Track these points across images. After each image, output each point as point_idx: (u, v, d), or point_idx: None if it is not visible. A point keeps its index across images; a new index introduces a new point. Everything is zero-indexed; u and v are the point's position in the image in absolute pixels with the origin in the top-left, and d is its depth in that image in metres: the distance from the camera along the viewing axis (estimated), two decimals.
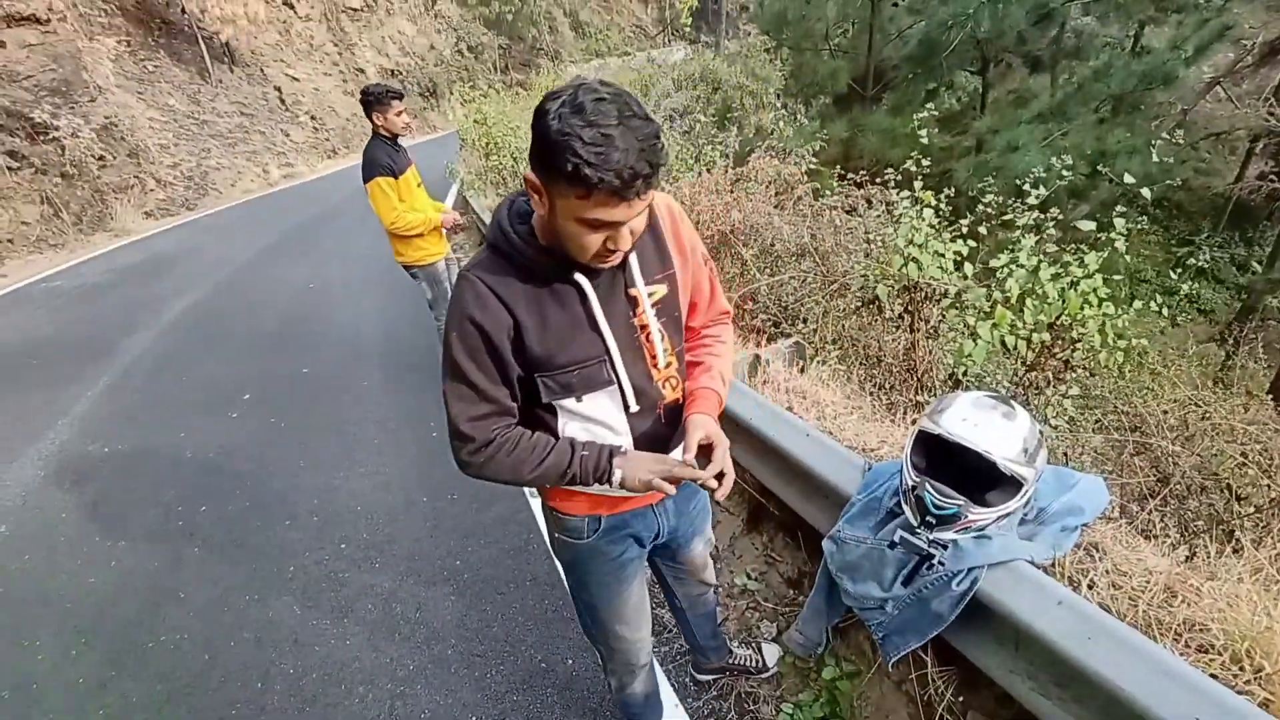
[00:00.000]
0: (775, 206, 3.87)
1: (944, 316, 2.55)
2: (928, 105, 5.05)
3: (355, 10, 18.89)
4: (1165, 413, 2.91)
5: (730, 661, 1.89)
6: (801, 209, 3.60)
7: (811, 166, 4.55)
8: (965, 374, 2.44)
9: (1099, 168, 6.49)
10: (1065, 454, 2.74)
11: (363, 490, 3.12)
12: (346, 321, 5.51)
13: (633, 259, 1.05)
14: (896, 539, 1.32)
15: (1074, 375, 2.76)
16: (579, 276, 1.01)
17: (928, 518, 1.30)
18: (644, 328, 1.09)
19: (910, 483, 1.36)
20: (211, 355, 5.00)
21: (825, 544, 1.57)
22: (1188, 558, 1.67)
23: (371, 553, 2.69)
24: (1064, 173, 3.88)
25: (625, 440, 1.14)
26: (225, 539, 2.86)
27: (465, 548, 2.66)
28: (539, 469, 1.08)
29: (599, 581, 1.32)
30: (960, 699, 1.51)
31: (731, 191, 4.00)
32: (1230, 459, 2.74)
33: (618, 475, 1.07)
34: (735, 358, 2.26)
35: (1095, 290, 2.15)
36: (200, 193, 11.92)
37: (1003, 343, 2.33)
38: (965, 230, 2.70)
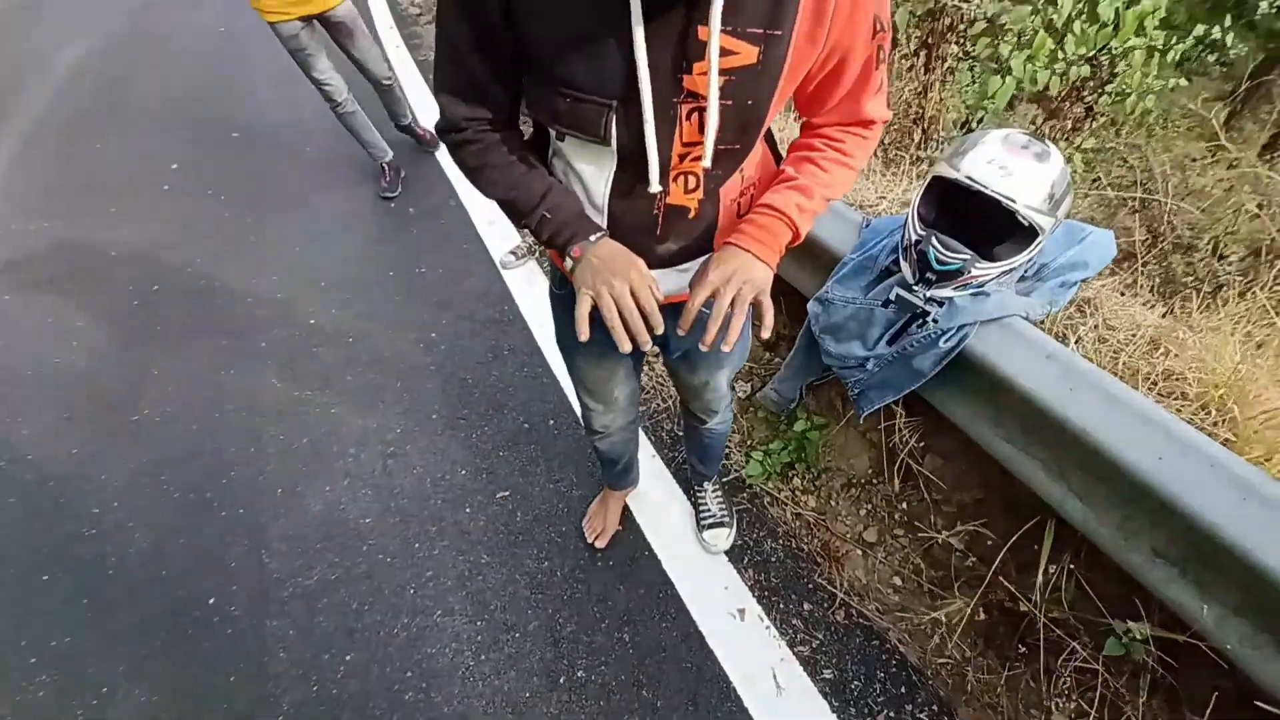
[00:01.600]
0: None
1: (971, 46, 2.17)
2: None
3: None
4: (1169, 163, 2.72)
5: (699, 495, 1.83)
6: None
7: None
8: (980, 121, 2.17)
9: None
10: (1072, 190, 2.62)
11: (324, 265, 2.94)
12: (274, 71, 4.71)
13: None
14: (893, 297, 1.23)
15: (1093, 125, 2.50)
16: None
17: (928, 274, 1.20)
18: (691, 98, 0.73)
19: (914, 237, 1.23)
20: (122, 118, 4.34)
21: (811, 305, 1.50)
22: (1166, 313, 1.65)
23: (344, 327, 2.63)
24: None
25: (599, 221, 0.88)
26: (187, 317, 2.75)
27: (440, 320, 2.60)
28: (504, 196, 0.86)
29: (562, 333, 1.21)
30: (921, 444, 1.61)
31: None
32: (1229, 210, 2.65)
33: (568, 264, 0.84)
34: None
35: (1155, 10, 1.79)
36: None
37: (1022, 82, 2.02)
38: None
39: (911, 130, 2.45)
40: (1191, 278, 1.89)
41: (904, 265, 1.27)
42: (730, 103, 0.73)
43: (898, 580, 1.66)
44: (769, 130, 0.94)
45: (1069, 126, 2.25)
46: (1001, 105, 1.85)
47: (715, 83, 0.70)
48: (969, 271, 1.19)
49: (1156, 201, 2.49)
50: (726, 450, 2.01)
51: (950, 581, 1.56)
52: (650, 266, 0.88)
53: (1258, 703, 0.96)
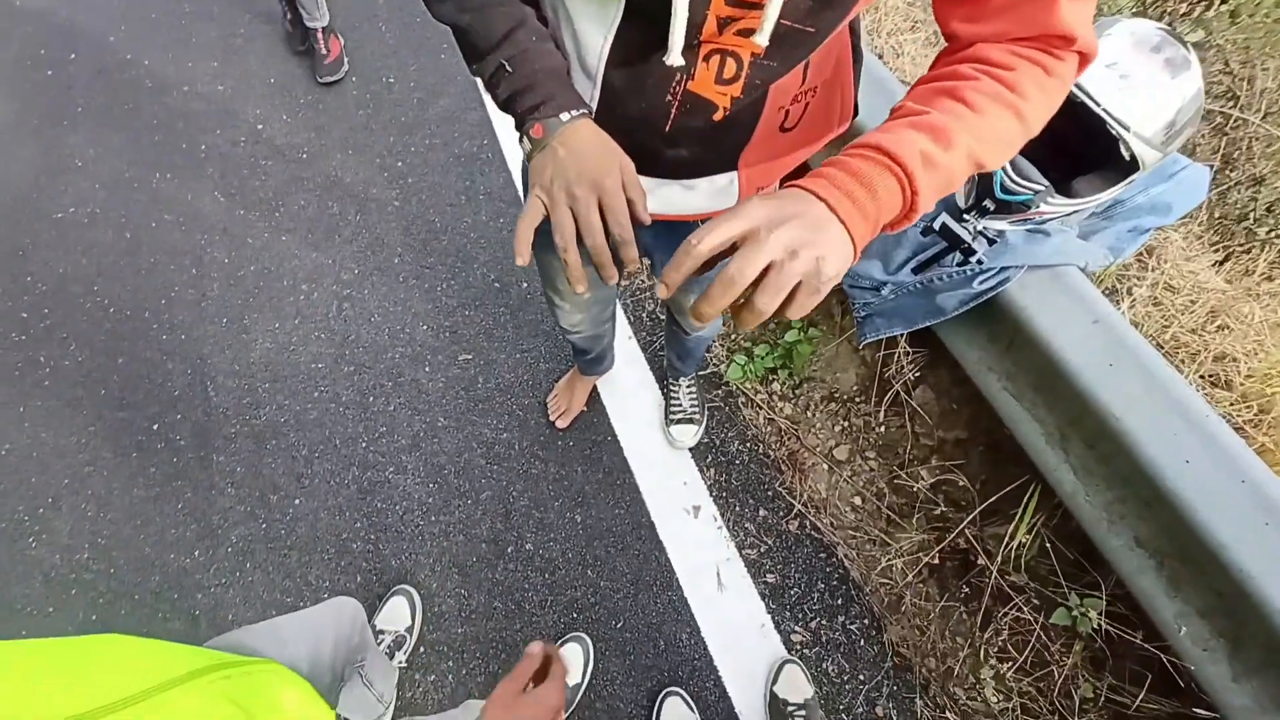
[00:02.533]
0: None
1: None
2: None
3: None
4: (1276, 77, 2.32)
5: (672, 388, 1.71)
6: None
7: None
8: None
9: None
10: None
11: (274, 57, 2.48)
12: None
13: None
14: (936, 225, 1.01)
15: (1210, 13, 2.06)
16: None
17: (985, 201, 0.98)
18: None
19: None
20: None
21: None
22: (1219, 262, 1.47)
23: (295, 139, 2.28)
24: None
25: (587, 93, 0.63)
26: (112, 101, 2.35)
27: (408, 145, 2.26)
28: (455, 20, 0.60)
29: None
30: (917, 375, 1.49)
31: None
32: None
33: (525, 146, 0.59)
34: None
35: None
36: None
37: None
38: None
39: None
40: (1264, 227, 1.67)
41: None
42: None
43: (857, 500, 1.64)
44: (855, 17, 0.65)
45: (1179, 10, 1.83)
46: None
47: None
48: (1037, 206, 0.97)
49: (1245, 120, 2.15)
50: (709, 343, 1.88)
51: (910, 512, 1.54)
52: (645, 173, 0.63)
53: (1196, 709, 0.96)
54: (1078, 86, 0.86)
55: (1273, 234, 1.59)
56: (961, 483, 1.42)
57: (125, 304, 1.95)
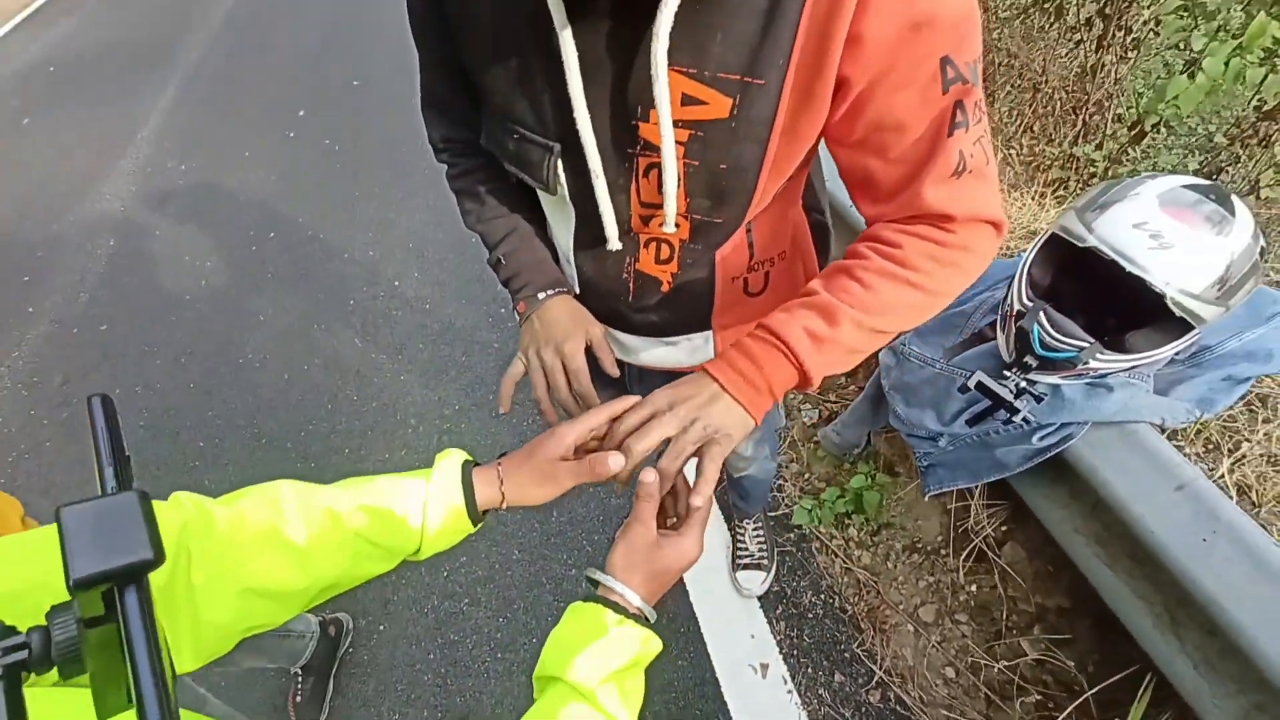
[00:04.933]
0: None
1: (1156, 24, 1.67)
2: None
3: None
4: None
5: (739, 530, 1.66)
6: None
7: None
8: (1161, 123, 1.69)
9: None
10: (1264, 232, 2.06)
11: (415, 227, 3.02)
12: (398, 21, 4.80)
13: (666, 7, 0.48)
14: (972, 383, 0.99)
15: None
16: None
17: (1026, 357, 0.94)
18: (650, 149, 0.58)
19: (1018, 306, 0.97)
20: (263, 64, 4.67)
21: (883, 355, 1.26)
22: None
23: (424, 292, 2.69)
24: None
25: (571, 275, 0.78)
26: (293, 269, 2.94)
27: (509, 296, 2.57)
28: (474, 228, 0.80)
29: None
30: (1003, 529, 1.35)
31: None
32: None
33: (519, 320, 0.76)
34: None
35: None
36: None
37: (1217, 83, 1.50)
38: None
39: (1069, 117, 1.99)
40: None
41: (1000, 337, 1.01)
42: (697, 163, 0.58)
43: (950, 672, 1.45)
44: (813, 197, 0.75)
45: (1271, 137, 1.69)
46: (1187, 110, 1.39)
47: (670, 136, 0.55)
48: (1086, 362, 0.91)
49: None
50: (780, 481, 1.84)
51: (1012, 693, 1.33)
52: (632, 333, 0.81)
53: None
54: (1109, 247, 0.84)
55: None
56: (1070, 661, 1.22)
57: (274, 435, 2.31)
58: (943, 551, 1.54)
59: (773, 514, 1.78)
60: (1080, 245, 0.87)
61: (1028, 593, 1.32)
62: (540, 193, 0.72)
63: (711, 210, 0.62)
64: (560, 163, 0.62)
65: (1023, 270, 0.98)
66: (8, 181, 3.94)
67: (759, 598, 1.65)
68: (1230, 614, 0.81)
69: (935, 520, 1.58)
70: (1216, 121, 1.91)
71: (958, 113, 0.53)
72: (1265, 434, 1.00)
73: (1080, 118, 2.04)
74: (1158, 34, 1.62)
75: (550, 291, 0.73)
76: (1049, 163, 2.02)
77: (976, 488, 1.30)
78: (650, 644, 0.51)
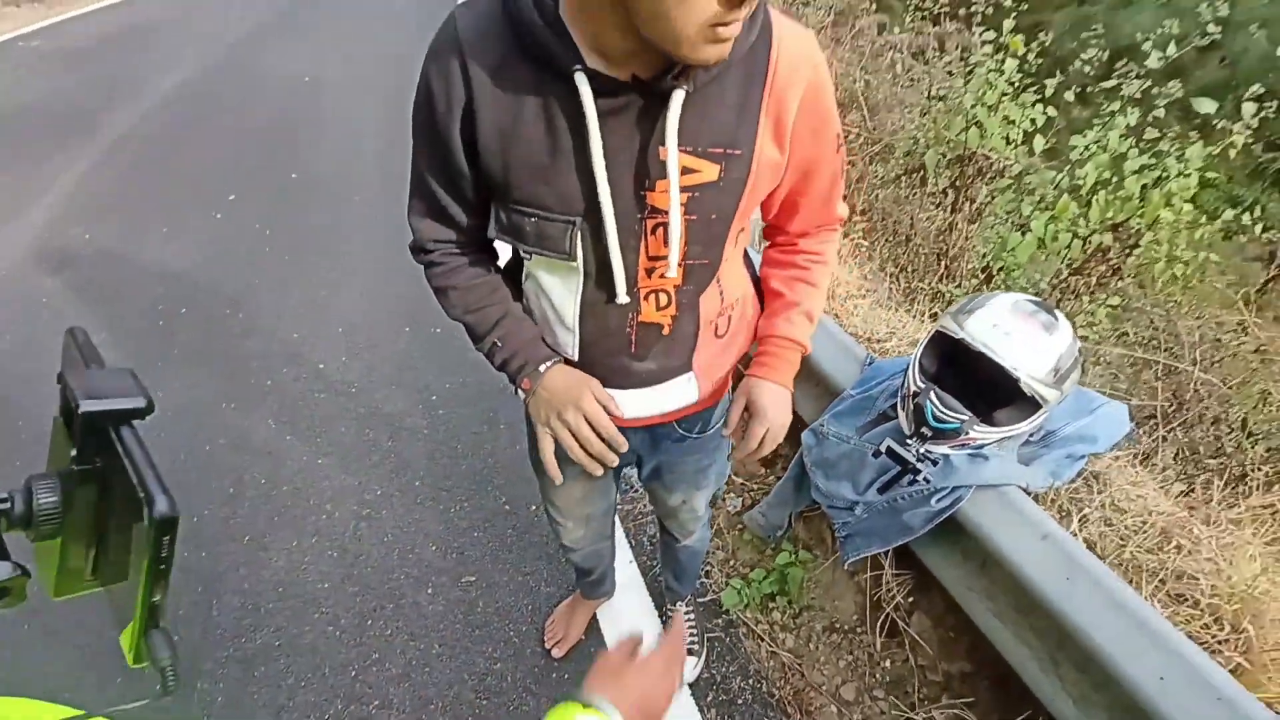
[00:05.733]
0: (833, 42, 3.28)
1: (993, 199, 2.21)
2: None
3: None
4: (1198, 331, 2.67)
5: (670, 615, 1.72)
6: (860, 44, 3.04)
7: None
8: (1002, 270, 2.17)
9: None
10: (1083, 365, 2.57)
11: (346, 312, 3.01)
12: (343, 123, 5.04)
13: (673, 106, 0.67)
14: (883, 448, 1.18)
15: (1120, 284, 2.48)
16: (579, 77, 0.66)
17: (923, 429, 1.16)
18: (655, 213, 0.74)
19: (913, 388, 1.20)
20: (197, 145, 4.65)
21: (805, 436, 1.45)
22: (1185, 492, 1.56)
23: (350, 376, 2.64)
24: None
25: (570, 341, 0.87)
26: (205, 345, 2.80)
27: (443, 382, 2.60)
28: (462, 319, 0.89)
29: (533, 444, 1.19)
30: (910, 600, 1.50)
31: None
32: (1256, 391, 2.57)
33: (521, 396, 0.85)
34: None
35: (1182, 193, 1.80)
36: None
37: (1043, 241, 2.02)
38: (1048, 95, 2.24)
39: (934, 263, 2.47)
40: (1215, 457, 1.80)
41: (901, 415, 1.22)
42: (694, 217, 0.75)
43: None
44: (747, 254, 0.95)
45: (1094, 282, 2.24)
46: (1022, 260, 1.85)
47: (677, 199, 0.72)
48: (967, 433, 1.14)
49: (1184, 370, 2.43)
50: (706, 568, 1.91)
51: None
52: (627, 387, 0.90)
53: None
54: (975, 340, 1.10)
55: (1229, 459, 1.71)
56: None
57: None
58: (859, 629, 1.65)
59: (701, 599, 1.83)
60: (955, 337, 1.13)
61: (935, 660, 1.45)
62: (541, 271, 0.84)
63: (701, 254, 0.80)
64: (579, 234, 0.75)
65: (915, 361, 1.22)
66: None
67: (690, 684, 1.65)
68: (1095, 641, 0.97)
69: (850, 599, 1.71)
70: (1043, 271, 2.47)
71: (841, 161, 0.84)
72: (1100, 502, 1.26)
73: (943, 264, 2.53)
74: (995, 202, 2.15)
75: (548, 364, 0.84)
76: (921, 295, 2.45)
77: (887, 555, 1.46)
78: None
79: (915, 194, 2.68)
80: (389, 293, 3.12)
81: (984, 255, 2.17)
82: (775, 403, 0.89)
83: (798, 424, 1.74)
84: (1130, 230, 1.99)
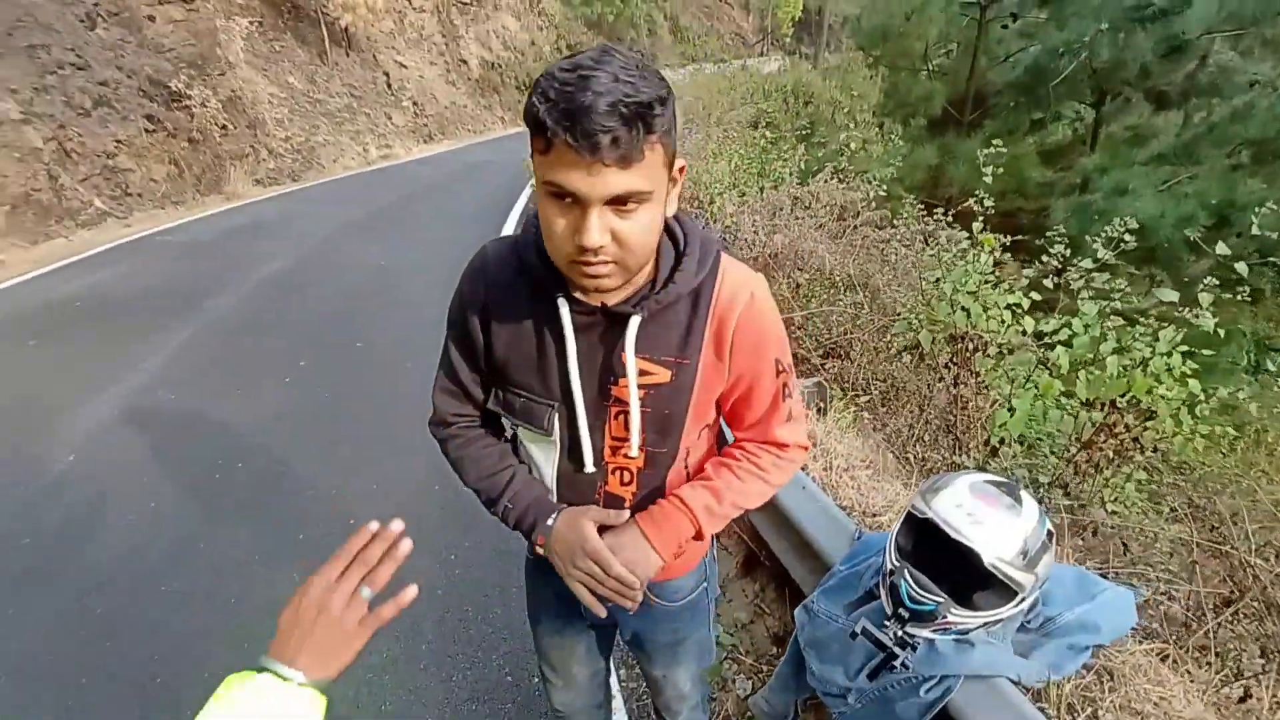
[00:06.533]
0: (835, 235, 3.68)
1: (983, 375, 2.31)
2: (1029, 138, 4.64)
3: (465, 4, 19.69)
4: (1250, 508, 2.51)
5: None
6: (858, 238, 3.40)
7: (883, 193, 4.31)
8: (1004, 442, 2.20)
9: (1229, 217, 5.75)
10: (1124, 544, 2.43)
11: (384, 472, 3.21)
12: (407, 301, 5.72)
13: (631, 325, 0.87)
14: (859, 629, 1.18)
15: (1144, 457, 2.44)
16: (560, 302, 0.87)
17: (900, 610, 1.16)
18: (619, 403, 0.92)
19: (890, 566, 1.22)
20: (282, 320, 5.31)
21: (797, 613, 1.44)
22: (1242, 697, 1.43)
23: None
24: (1186, 224, 3.44)
25: (552, 497, 1.02)
26: (252, 499, 3.01)
27: (463, 543, 2.67)
28: (476, 485, 1.04)
29: (532, 603, 1.27)
30: None
31: (793, 211, 3.85)
32: None
33: (541, 550, 0.98)
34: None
35: (1173, 369, 1.87)
36: (306, 165, 12.76)
37: (1034, 418, 2.06)
38: (1033, 279, 2.44)
39: (944, 435, 2.51)
40: (1262, 656, 1.63)
41: (882, 594, 1.23)
42: (650, 410, 0.92)
43: None
44: (720, 438, 1.07)
45: (1110, 455, 2.22)
46: (1015, 434, 1.90)
47: (635, 393, 0.90)
48: (944, 615, 1.13)
49: (1233, 550, 2.27)
50: None
51: None
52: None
53: None
54: (941, 520, 1.14)
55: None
56: None
57: (169, 675, 2.12)
58: None
59: None
60: (922, 517, 1.17)
61: None
62: (527, 441, 1.01)
63: (658, 442, 0.95)
64: (556, 415, 0.94)
65: (892, 538, 1.25)
66: None
67: None
68: None
69: None
70: (1049, 444, 2.46)
71: (785, 388, 0.96)
72: (1112, 702, 1.18)
73: (954, 434, 2.57)
74: (988, 377, 2.26)
75: (553, 517, 0.97)
76: (938, 466, 2.47)
77: None
78: None
79: (920, 368, 2.81)
80: (425, 454, 3.32)
81: (985, 429, 2.23)
82: (631, 545, 0.93)
83: (801, 595, 1.71)
84: (1129, 404, 2.02)
